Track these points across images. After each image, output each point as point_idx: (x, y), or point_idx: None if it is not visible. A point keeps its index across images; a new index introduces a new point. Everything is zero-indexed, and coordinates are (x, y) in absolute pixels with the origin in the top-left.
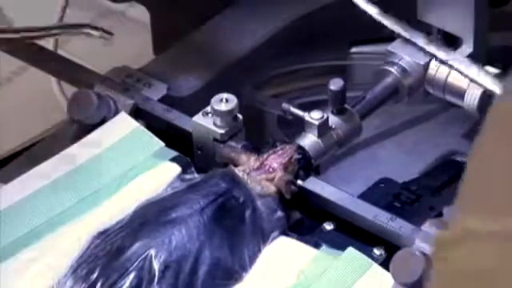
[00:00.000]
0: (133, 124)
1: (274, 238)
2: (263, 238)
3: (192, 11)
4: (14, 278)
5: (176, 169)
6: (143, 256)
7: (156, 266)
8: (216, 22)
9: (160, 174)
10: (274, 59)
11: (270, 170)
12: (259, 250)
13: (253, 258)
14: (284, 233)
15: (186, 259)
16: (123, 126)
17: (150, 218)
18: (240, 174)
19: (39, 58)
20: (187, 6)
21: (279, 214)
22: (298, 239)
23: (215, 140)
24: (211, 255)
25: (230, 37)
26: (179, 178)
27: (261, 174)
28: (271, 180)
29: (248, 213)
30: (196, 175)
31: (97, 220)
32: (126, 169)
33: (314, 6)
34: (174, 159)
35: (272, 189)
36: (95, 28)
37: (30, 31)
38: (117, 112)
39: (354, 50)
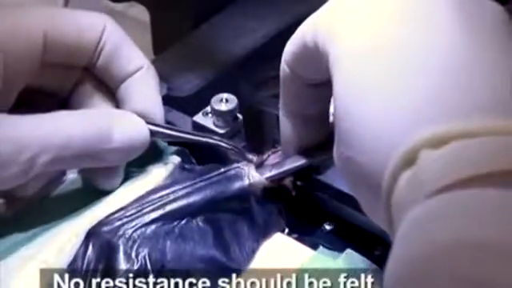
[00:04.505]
0: None
1: (272, 236)
2: (260, 235)
3: (192, 11)
4: (13, 276)
5: (176, 159)
6: (137, 251)
7: (151, 263)
8: (216, 21)
9: (160, 169)
10: (275, 59)
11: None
12: (257, 247)
13: (250, 255)
14: (282, 230)
15: (180, 257)
16: None
17: None
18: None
19: None
20: (187, 6)
21: (277, 211)
22: (296, 239)
23: None
24: (207, 253)
25: (230, 36)
26: (179, 167)
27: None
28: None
29: (246, 209)
30: (196, 167)
31: (96, 216)
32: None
33: (315, 5)
34: (174, 152)
35: (270, 185)
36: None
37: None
38: None
39: None
